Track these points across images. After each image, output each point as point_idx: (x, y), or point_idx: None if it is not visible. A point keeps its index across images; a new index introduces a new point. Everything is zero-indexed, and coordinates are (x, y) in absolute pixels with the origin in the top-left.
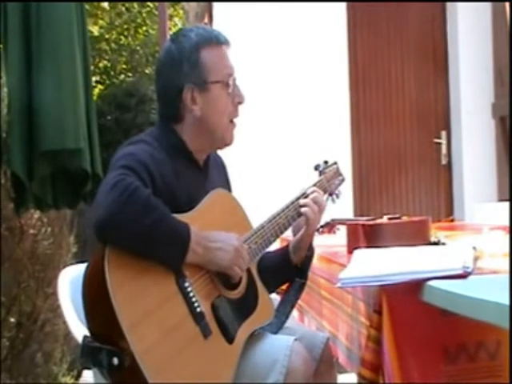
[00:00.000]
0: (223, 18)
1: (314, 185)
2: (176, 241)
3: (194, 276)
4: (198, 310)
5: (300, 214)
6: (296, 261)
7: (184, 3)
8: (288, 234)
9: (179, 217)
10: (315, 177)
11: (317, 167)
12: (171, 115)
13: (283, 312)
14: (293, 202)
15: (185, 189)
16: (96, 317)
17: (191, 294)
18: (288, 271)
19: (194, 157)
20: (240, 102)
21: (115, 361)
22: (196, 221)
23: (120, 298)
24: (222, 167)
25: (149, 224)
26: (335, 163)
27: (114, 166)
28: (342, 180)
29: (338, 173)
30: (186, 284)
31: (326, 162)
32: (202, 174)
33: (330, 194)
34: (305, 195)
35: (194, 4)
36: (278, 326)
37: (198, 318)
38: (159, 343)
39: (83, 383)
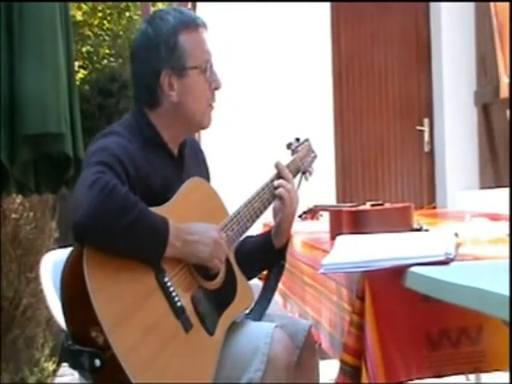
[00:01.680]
0: (207, 15)
1: (287, 164)
2: (155, 237)
3: (173, 270)
4: (179, 304)
5: (275, 196)
6: (278, 245)
7: None
8: (269, 219)
9: (156, 209)
10: (289, 156)
11: (289, 145)
12: (147, 100)
13: (265, 298)
14: (267, 185)
15: (160, 180)
16: (76, 318)
17: (171, 289)
18: (271, 255)
19: (169, 147)
20: (217, 88)
21: (97, 362)
22: (173, 212)
23: (100, 299)
24: (199, 153)
25: (127, 222)
26: (307, 140)
27: (89, 161)
28: (315, 157)
29: (310, 150)
30: (166, 279)
31: (297, 140)
32: (178, 164)
33: (304, 173)
34: (279, 176)
35: None
36: (260, 312)
37: (179, 312)
38: (141, 341)
39: (65, 369)
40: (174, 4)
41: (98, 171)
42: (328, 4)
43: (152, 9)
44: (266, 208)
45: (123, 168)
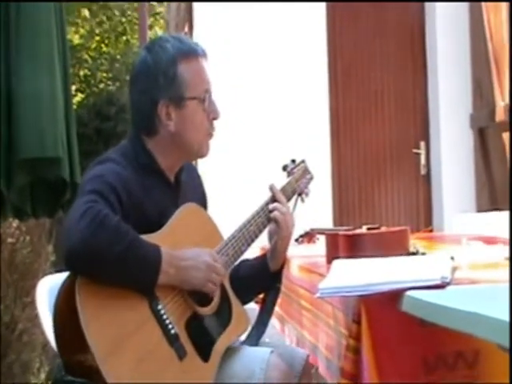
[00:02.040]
0: (203, 27)
1: (283, 187)
2: (147, 265)
3: (166, 297)
4: (172, 331)
5: (270, 220)
6: (273, 268)
7: (164, 13)
8: (266, 243)
9: (150, 236)
10: (284, 178)
11: (285, 167)
12: (144, 128)
13: (262, 322)
14: (262, 208)
15: (155, 207)
16: (68, 347)
17: (164, 317)
18: (266, 279)
19: (165, 174)
20: (215, 118)
21: None
22: (166, 239)
23: (93, 328)
24: (196, 178)
25: (120, 251)
26: (303, 161)
27: (83, 189)
28: (311, 178)
29: (306, 171)
30: (159, 307)
31: (293, 161)
32: (174, 191)
33: (300, 194)
34: (274, 199)
35: (174, 14)
36: (257, 336)
37: (173, 339)
38: (135, 371)
39: None
40: (173, 5)
41: (90, 200)
42: (323, 5)
43: (149, 33)
44: (261, 232)
45: (116, 196)
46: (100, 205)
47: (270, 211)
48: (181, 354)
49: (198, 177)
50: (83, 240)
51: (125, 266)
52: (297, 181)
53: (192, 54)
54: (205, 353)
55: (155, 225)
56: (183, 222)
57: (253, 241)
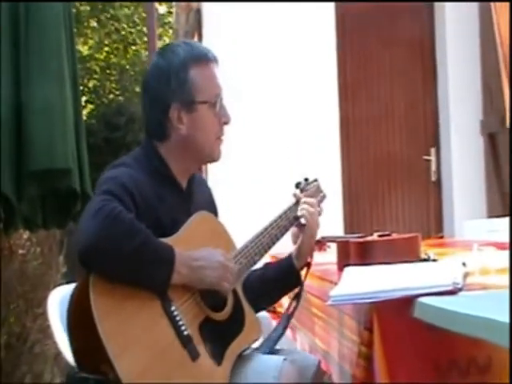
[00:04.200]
0: (212, 36)
1: (295, 204)
2: (161, 263)
3: (179, 299)
4: (185, 332)
5: (296, 218)
6: (299, 266)
7: (173, 22)
8: (277, 251)
9: (163, 240)
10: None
11: (298, 185)
12: (157, 133)
13: (278, 330)
14: (275, 221)
15: (168, 212)
16: (82, 346)
17: (178, 318)
18: (292, 278)
19: (177, 180)
20: (226, 122)
21: None
22: (179, 244)
23: (106, 328)
24: (206, 189)
25: (133, 248)
26: (316, 180)
27: (97, 191)
28: (323, 197)
29: (319, 190)
30: (173, 308)
31: (306, 180)
32: (186, 198)
33: None
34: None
35: (183, 23)
36: (272, 343)
37: (186, 341)
38: (147, 369)
39: None
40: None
41: (103, 199)
42: (333, 13)
43: (158, 43)
44: (274, 243)
45: (130, 197)
46: (113, 202)
47: (297, 215)
48: (194, 356)
49: (208, 188)
50: (97, 236)
51: (138, 262)
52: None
53: (203, 58)
54: (218, 356)
55: (168, 230)
56: (196, 230)
57: (266, 251)
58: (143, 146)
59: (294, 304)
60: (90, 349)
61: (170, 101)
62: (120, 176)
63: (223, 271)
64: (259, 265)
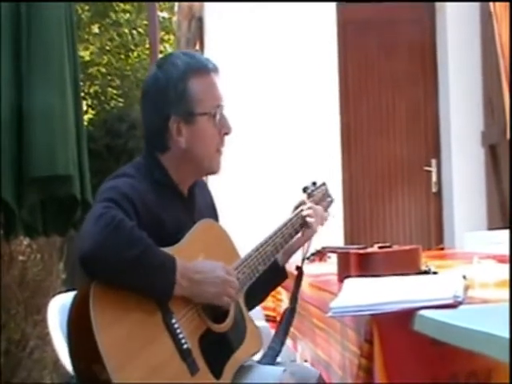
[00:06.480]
0: (214, 43)
1: (302, 209)
2: (162, 273)
3: (180, 311)
4: (185, 346)
5: (302, 225)
6: (282, 263)
7: (176, 30)
8: None
9: (166, 250)
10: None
11: (305, 189)
12: (156, 144)
13: (278, 342)
14: (280, 229)
15: (171, 220)
16: (81, 358)
17: (178, 331)
18: (275, 273)
19: (179, 188)
20: (226, 133)
21: None
22: (182, 252)
23: (106, 340)
24: (207, 194)
25: (134, 255)
26: (324, 184)
27: (97, 200)
28: (331, 201)
29: (326, 194)
30: (173, 320)
31: (314, 184)
32: (188, 205)
33: None
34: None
35: (184, 30)
36: (273, 356)
37: (185, 354)
38: (146, 383)
39: None
40: (183, 22)
41: (105, 206)
42: (335, 20)
43: (160, 47)
44: (278, 252)
45: (132, 206)
46: (115, 210)
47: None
48: (193, 370)
49: (209, 193)
50: (97, 242)
51: (137, 272)
52: (317, 203)
53: (202, 69)
54: (217, 370)
55: (171, 238)
56: (200, 238)
57: (270, 261)
58: (144, 155)
59: (286, 320)
60: (90, 360)
61: (169, 113)
62: (121, 185)
63: (223, 286)
64: None
